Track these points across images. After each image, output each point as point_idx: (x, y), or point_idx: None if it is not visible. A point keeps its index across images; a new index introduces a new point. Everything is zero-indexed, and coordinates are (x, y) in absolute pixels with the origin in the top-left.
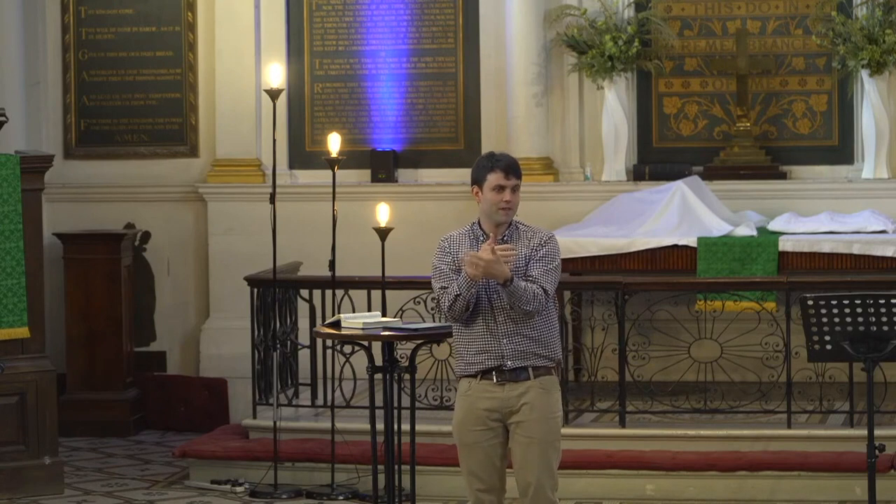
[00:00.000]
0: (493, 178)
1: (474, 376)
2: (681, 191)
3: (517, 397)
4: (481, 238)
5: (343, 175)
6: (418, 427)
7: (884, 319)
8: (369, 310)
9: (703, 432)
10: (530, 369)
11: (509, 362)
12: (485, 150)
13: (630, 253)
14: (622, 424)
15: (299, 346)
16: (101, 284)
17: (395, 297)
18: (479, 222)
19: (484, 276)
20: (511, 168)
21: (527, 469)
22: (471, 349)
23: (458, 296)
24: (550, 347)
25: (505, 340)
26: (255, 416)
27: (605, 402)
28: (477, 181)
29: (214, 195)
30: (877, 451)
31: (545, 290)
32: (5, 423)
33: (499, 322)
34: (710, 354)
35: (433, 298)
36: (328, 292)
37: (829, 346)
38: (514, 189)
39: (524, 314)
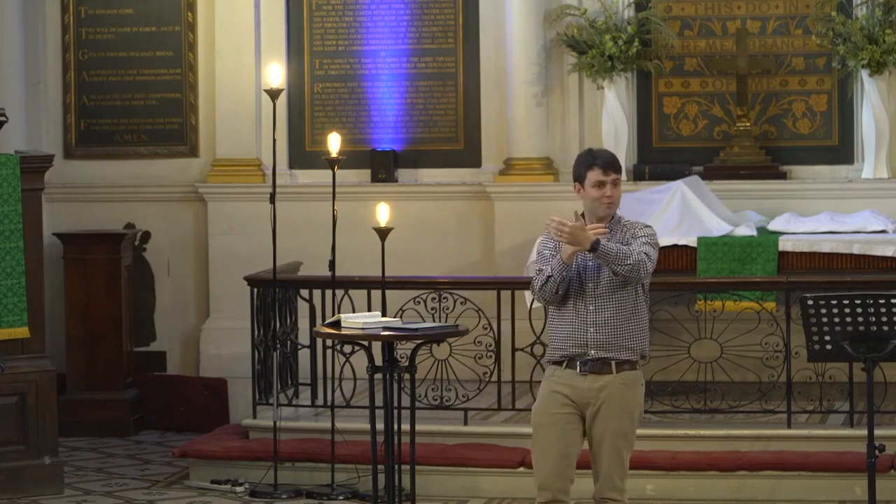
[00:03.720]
0: (593, 175)
1: (559, 363)
2: (681, 191)
3: (597, 390)
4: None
5: (343, 175)
6: (418, 427)
7: (884, 319)
8: (369, 310)
9: (703, 432)
10: (613, 363)
11: (593, 352)
12: (485, 150)
13: None
14: None
15: (299, 346)
16: (101, 284)
17: (395, 297)
18: (583, 215)
19: (569, 243)
20: (610, 164)
21: (599, 460)
22: (559, 335)
23: (549, 277)
24: (637, 340)
25: (592, 330)
26: (255, 416)
27: None
28: (578, 178)
29: (214, 195)
30: (877, 451)
31: (647, 255)
32: (5, 423)
33: (590, 311)
34: (710, 354)
35: (433, 298)
36: (328, 292)
37: (829, 346)
38: (615, 183)
39: (625, 278)
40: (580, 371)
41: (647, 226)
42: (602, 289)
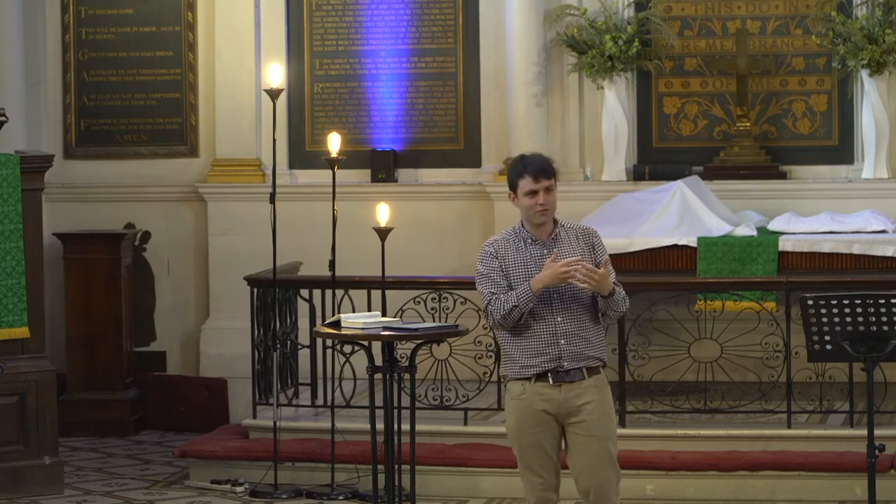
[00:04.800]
0: (525, 184)
1: (528, 379)
2: (681, 191)
3: (574, 398)
4: (529, 241)
5: (343, 175)
6: (418, 427)
7: (884, 319)
8: (369, 310)
9: (703, 432)
10: (584, 370)
11: (566, 363)
12: (485, 150)
13: (630, 253)
14: (622, 424)
15: (299, 346)
16: (101, 284)
17: (395, 297)
18: (522, 224)
19: (595, 289)
20: (541, 170)
21: (592, 466)
22: (526, 352)
23: (514, 307)
24: (600, 348)
25: (563, 342)
26: (255, 416)
27: None
28: (511, 187)
29: (214, 195)
30: (877, 451)
31: (620, 284)
32: (5, 423)
33: (557, 322)
34: (710, 354)
35: (433, 298)
36: (328, 292)
37: (829, 346)
38: (548, 190)
39: (613, 313)
40: (553, 382)
41: (596, 234)
42: (566, 299)
